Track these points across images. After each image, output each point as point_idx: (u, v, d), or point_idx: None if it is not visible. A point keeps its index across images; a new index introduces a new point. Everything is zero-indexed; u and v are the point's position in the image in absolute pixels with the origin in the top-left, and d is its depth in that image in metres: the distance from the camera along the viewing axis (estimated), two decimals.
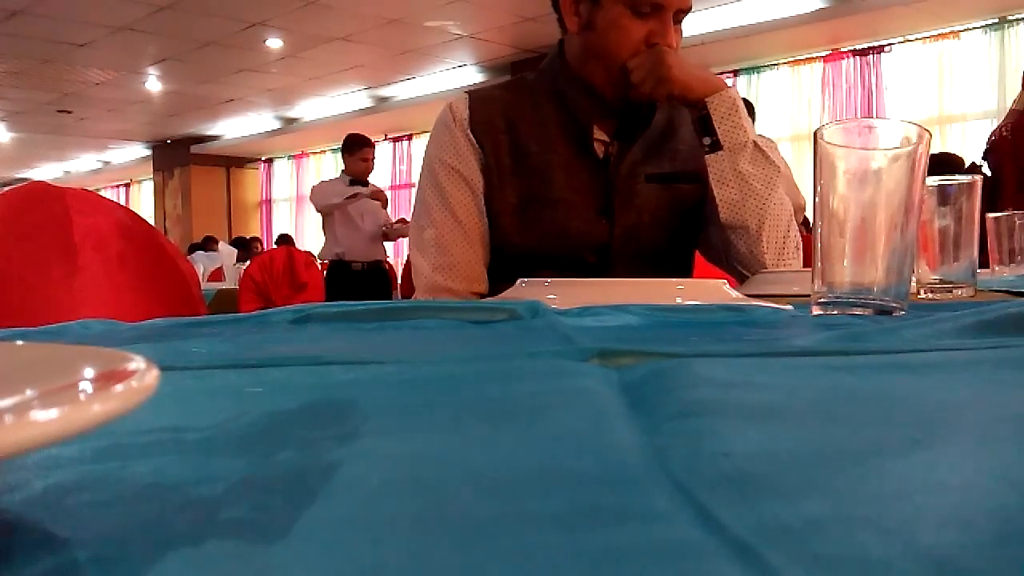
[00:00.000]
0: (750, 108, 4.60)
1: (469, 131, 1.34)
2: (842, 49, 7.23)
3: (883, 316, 0.67)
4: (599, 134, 1.37)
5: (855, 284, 0.68)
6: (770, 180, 1.30)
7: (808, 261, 0.76)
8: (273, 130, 11.23)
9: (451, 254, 1.33)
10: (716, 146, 1.29)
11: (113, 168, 13.65)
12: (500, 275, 1.35)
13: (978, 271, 1.03)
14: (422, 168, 1.41)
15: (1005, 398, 0.35)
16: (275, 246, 8.67)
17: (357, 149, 4.97)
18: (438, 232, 1.34)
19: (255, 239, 10.09)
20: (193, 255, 8.03)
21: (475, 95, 1.40)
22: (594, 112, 1.37)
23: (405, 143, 10.96)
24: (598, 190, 1.35)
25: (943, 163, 3.47)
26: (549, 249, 1.34)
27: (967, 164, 3.83)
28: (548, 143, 1.35)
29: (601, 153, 1.36)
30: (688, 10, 1.32)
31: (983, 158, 3.57)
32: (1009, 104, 3.92)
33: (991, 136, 3.61)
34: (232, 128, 11.35)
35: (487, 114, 1.36)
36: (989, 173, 3.49)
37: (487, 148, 1.34)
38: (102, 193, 2.20)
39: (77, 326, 0.65)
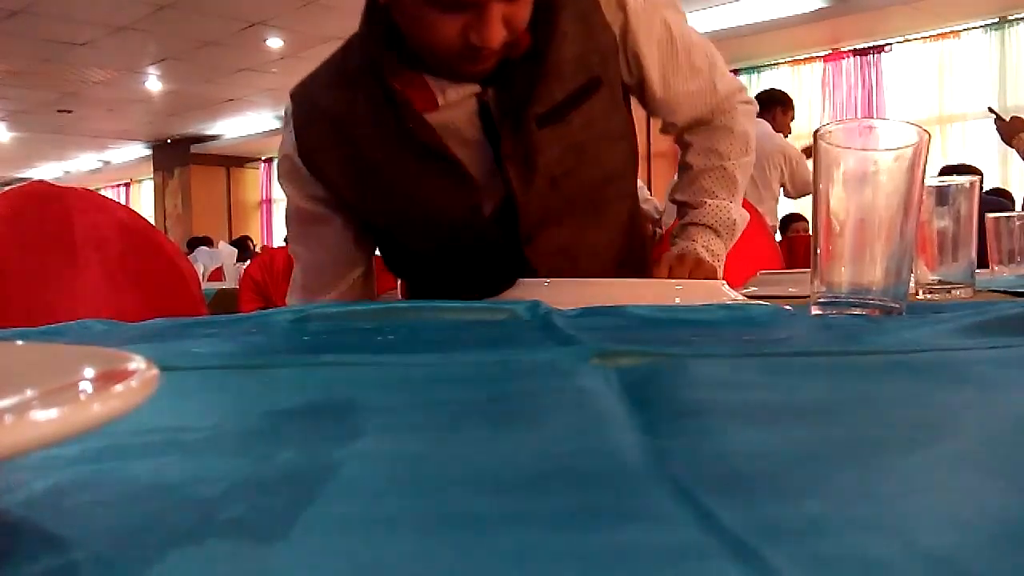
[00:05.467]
0: (787, 101, 4.44)
1: (302, 165, 1.17)
2: (842, 49, 7.23)
3: (882, 316, 0.67)
4: (467, 88, 1.09)
5: (854, 284, 0.68)
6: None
7: (808, 261, 0.76)
8: (273, 130, 11.20)
9: (324, 275, 1.21)
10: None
11: (113, 168, 13.64)
12: (423, 267, 1.24)
13: (977, 271, 1.03)
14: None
15: (1005, 398, 0.35)
16: (232, 245, 8.59)
17: None
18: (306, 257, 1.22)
19: (245, 238, 10.02)
20: (194, 252, 8.03)
21: (299, 118, 1.19)
22: (443, 74, 1.08)
23: None
24: (482, 167, 1.10)
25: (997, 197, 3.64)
26: (446, 252, 1.18)
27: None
28: (386, 141, 1.11)
29: (475, 105, 1.09)
30: None
31: None
32: (1009, 103, 3.96)
33: None
34: (232, 128, 11.35)
35: (313, 139, 1.16)
36: None
37: (325, 176, 1.16)
38: (102, 193, 2.20)
39: (77, 326, 0.65)
